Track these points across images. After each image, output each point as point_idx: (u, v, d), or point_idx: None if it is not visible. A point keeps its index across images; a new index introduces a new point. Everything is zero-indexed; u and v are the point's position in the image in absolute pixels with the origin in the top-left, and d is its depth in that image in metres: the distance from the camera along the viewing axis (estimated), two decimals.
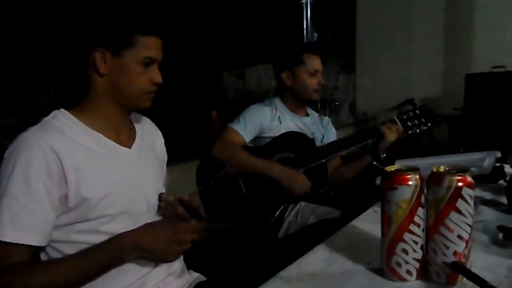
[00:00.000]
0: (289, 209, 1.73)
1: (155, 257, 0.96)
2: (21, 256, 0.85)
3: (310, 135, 1.87)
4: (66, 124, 0.95)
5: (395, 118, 1.75)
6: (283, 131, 1.80)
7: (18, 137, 0.90)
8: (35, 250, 0.88)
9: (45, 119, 0.95)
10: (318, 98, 1.90)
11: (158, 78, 1.00)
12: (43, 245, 0.89)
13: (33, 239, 0.86)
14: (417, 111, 1.76)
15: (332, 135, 1.99)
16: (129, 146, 1.03)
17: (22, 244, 0.85)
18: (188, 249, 0.97)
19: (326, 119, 2.05)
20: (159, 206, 1.04)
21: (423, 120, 1.75)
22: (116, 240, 0.91)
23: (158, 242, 0.92)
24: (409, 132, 1.75)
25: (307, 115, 1.96)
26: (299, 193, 1.69)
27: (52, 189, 0.87)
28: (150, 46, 0.97)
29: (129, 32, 0.96)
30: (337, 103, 4.23)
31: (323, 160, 1.76)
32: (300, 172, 1.73)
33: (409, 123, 1.75)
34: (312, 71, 1.83)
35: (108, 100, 0.99)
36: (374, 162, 1.76)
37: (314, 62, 1.84)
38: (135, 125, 1.10)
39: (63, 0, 1.94)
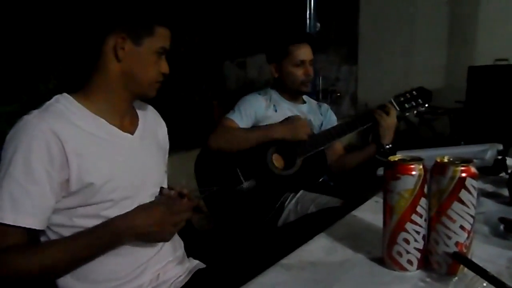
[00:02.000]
0: (289, 197, 1.73)
1: (151, 239, 0.97)
2: (19, 238, 0.85)
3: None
4: (69, 109, 0.94)
5: (392, 100, 1.73)
6: (280, 120, 1.79)
7: (20, 120, 0.90)
8: (34, 233, 0.88)
9: (48, 103, 0.95)
10: (307, 90, 1.88)
11: (167, 69, 1.03)
12: (42, 228, 0.89)
13: (32, 222, 0.86)
14: (414, 92, 1.74)
15: (332, 121, 1.97)
16: (132, 133, 1.03)
17: (21, 227, 0.85)
18: (182, 227, 0.97)
19: (325, 106, 2.03)
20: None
21: (420, 101, 1.73)
22: (109, 224, 0.91)
23: (153, 225, 0.92)
24: (407, 113, 1.74)
25: (304, 102, 1.95)
26: (304, 137, 1.69)
27: (53, 174, 0.87)
28: (165, 36, 1.00)
29: (150, 21, 0.98)
30: (338, 94, 4.22)
31: (322, 147, 1.75)
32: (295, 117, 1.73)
33: (406, 105, 1.72)
34: (298, 62, 1.80)
35: (117, 86, 0.99)
36: (377, 155, 1.74)
37: (300, 53, 1.81)
38: (138, 112, 1.10)
39: None
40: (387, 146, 1.71)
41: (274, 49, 1.86)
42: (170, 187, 1.07)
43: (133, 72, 0.99)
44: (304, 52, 1.82)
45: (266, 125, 1.75)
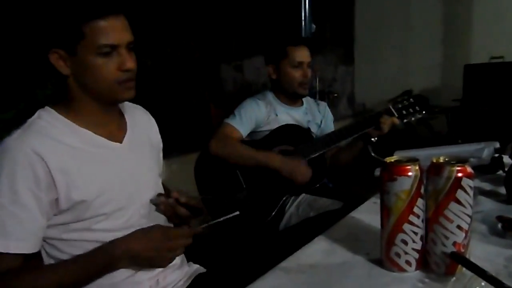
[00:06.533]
0: (290, 201, 1.74)
1: (148, 265, 0.95)
2: (12, 264, 0.84)
3: (306, 124, 1.87)
4: (52, 124, 0.91)
5: (390, 107, 1.75)
6: (280, 124, 1.80)
7: (2, 143, 0.87)
8: (29, 254, 0.87)
9: (30, 120, 0.91)
10: (304, 93, 1.87)
11: (128, 64, 0.90)
12: (35, 251, 0.87)
13: (24, 247, 0.85)
14: (412, 100, 1.76)
15: (329, 119, 2.00)
16: (121, 141, 0.99)
17: (13, 253, 0.84)
18: (180, 254, 0.96)
19: (323, 103, 2.06)
20: (158, 206, 1.02)
21: (417, 108, 1.75)
22: (108, 248, 0.89)
23: (151, 250, 0.90)
24: (405, 120, 1.76)
25: (302, 103, 1.95)
26: (300, 182, 1.68)
27: (40, 195, 0.85)
28: (103, 32, 0.86)
29: (74, 25, 0.86)
30: (335, 94, 4.21)
31: (322, 152, 1.76)
32: (300, 160, 1.72)
33: (404, 112, 1.75)
34: (296, 63, 1.81)
35: (85, 98, 0.93)
36: (373, 154, 1.75)
37: (299, 54, 1.82)
38: (126, 116, 1.05)
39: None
40: (373, 139, 1.74)
41: (273, 50, 1.87)
42: (167, 191, 1.06)
43: (84, 81, 0.91)
44: (303, 54, 1.83)
45: (269, 153, 1.73)
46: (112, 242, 0.89)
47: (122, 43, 0.90)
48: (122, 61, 0.90)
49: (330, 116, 2.02)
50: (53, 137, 0.89)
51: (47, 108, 0.94)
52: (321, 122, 1.96)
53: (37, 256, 0.91)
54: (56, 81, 0.94)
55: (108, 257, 0.89)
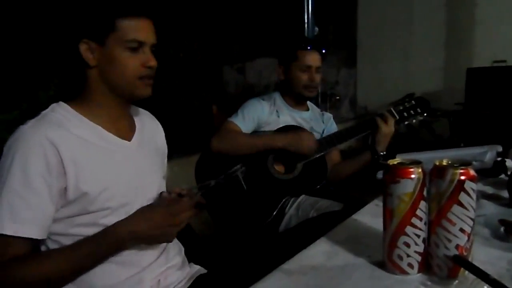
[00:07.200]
0: (290, 202, 1.74)
1: (153, 242, 0.97)
2: (21, 249, 0.85)
3: (308, 130, 1.87)
4: (65, 117, 0.94)
5: (391, 109, 1.76)
6: (281, 125, 1.80)
7: (16, 130, 0.90)
8: (35, 243, 0.88)
9: (43, 112, 0.94)
10: (310, 95, 1.89)
11: (152, 62, 0.97)
12: (43, 238, 0.88)
13: (33, 232, 0.86)
14: (413, 102, 1.78)
15: (332, 131, 1.98)
16: (129, 139, 1.03)
17: (22, 237, 0.85)
18: (183, 229, 0.96)
19: (328, 115, 2.05)
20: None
21: (418, 111, 1.77)
22: (110, 231, 0.90)
23: (154, 228, 0.91)
24: (406, 122, 1.78)
25: (307, 109, 1.96)
26: (308, 152, 1.71)
27: (51, 182, 0.87)
28: (133, 28, 0.94)
29: (108, 17, 0.93)
30: (337, 97, 4.22)
31: (322, 153, 1.76)
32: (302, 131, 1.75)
33: (405, 114, 1.77)
34: (304, 67, 1.83)
35: (104, 91, 0.97)
36: (381, 161, 1.75)
37: (308, 58, 1.83)
38: (135, 118, 1.09)
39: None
40: (382, 153, 1.73)
41: (283, 52, 1.90)
42: (168, 192, 1.07)
43: (109, 73, 0.96)
44: (312, 58, 1.84)
45: (271, 133, 1.76)
46: (114, 225, 0.90)
47: (148, 42, 0.96)
48: (146, 58, 0.96)
49: (334, 127, 2.00)
50: (66, 129, 0.92)
51: (60, 102, 0.97)
52: (323, 132, 1.95)
53: (39, 250, 0.92)
54: (75, 74, 0.98)
55: (113, 240, 0.90)
